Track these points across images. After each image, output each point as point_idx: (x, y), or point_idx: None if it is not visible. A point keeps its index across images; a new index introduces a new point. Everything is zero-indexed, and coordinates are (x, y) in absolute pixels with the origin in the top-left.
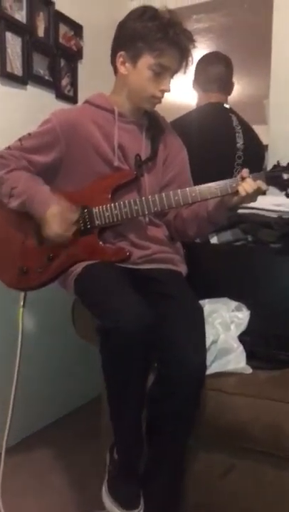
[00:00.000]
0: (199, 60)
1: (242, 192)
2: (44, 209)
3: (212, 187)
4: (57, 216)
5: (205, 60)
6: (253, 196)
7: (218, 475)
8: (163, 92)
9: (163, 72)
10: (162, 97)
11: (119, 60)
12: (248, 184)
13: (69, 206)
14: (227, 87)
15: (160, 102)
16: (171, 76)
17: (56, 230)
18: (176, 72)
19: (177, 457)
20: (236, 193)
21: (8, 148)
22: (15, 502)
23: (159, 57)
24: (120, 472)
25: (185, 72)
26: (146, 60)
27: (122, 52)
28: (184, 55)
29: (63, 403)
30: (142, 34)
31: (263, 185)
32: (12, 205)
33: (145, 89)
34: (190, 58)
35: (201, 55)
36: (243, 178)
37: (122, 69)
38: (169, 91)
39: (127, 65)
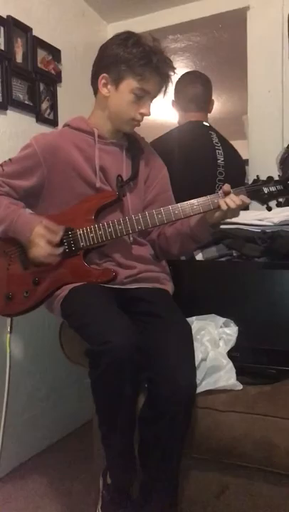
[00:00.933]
0: (178, 81)
1: (223, 206)
2: (29, 231)
3: (194, 204)
4: (43, 236)
5: (183, 81)
6: (235, 211)
7: (212, 495)
8: (143, 115)
9: (144, 96)
10: (142, 120)
11: (102, 81)
12: (229, 198)
13: (52, 225)
14: (205, 106)
15: (139, 124)
16: (151, 100)
17: (43, 251)
18: (155, 96)
19: (171, 478)
20: (218, 207)
21: None
22: None
23: (142, 81)
24: (114, 497)
25: (164, 97)
26: (129, 84)
27: (105, 75)
28: (164, 81)
29: (54, 429)
30: (126, 59)
31: (246, 199)
32: None
33: (126, 111)
34: (169, 84)
35: (179, 75)
36: (225, 193)
37: (104, 91)
38: (149, 114)
39: (109, 87)
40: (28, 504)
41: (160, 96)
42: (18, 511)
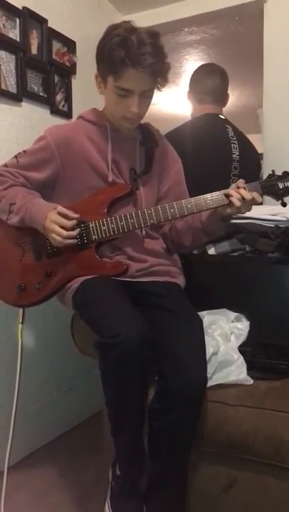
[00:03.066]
0: (195, 72)
1: (236, 202)
2: (43, 218)
3: (207, 198)
4: (56, 221)
5: (201, 72)
6: (247, 207)
7: (221, 488)
8: (132, 113)
9: (127, 94)
10: (133, 117)
11: (97, 80)
12: (241, 195)
13: (65, 210)
14: (222, 99)
15: (134, 121)
16: (144, 96)
17: (57, 236)
18: (146, 91)
19: (180, 471)
20: (230, 203)
21: (5, 165)
22: None
23: (117, 80)
24: (123, 488)
25: (160, 89)
26: (110, 82)
27: (98, 73)
28: (149, 74)
29: (65, 419)
30: (105, 55)
31: (258, 198)
32: (12, 222)
33: (115, 110)
34: (161, 76)
35: (196, 67)
36: (238, 188)
37: (99, 90)
38: (136, 112)
39: (101, 85)
40: (38, 492)
41: (158, 90)
42: (28, 499)
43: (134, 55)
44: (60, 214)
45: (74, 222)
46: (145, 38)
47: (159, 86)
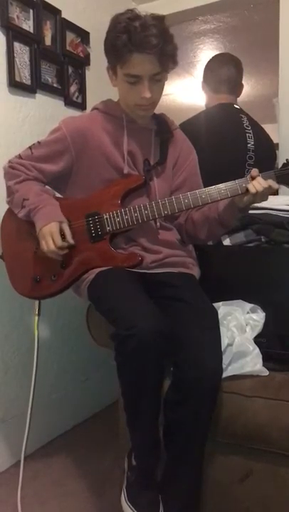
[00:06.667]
0: (209, 61)
1: (252, 189)
2: (44, 223)
3: (222, 188)
4: (51, 234)
5: (216, 61)
6: (263, 195)
7: (236, 480)
8: (144, 99)
9: (137, 81)
10: (147, 103)
11: (109, 73)
12: (257, 182)
13: (68, 232)
14: (236, 89)
15: (149, 107)
16: (154, 80)
17: (46, 246)
18: (156, 74)
19: (195, 461)
20: (247, 192)
21: (19, 156)
22: (34, 509)
23: (125, 68)
24: (138, 478)
25: (167, 72)
26: (119, 72)
27: (108, 65)
28: (157, 57)
29: (81, 410)
30: (110, 45)
31: (274, 184)
32: (20, 215)
33: (128, 98)
34: (169, 58)
35: (210, 56)
36: (252, 178)
37: (112, 82)
38: (149, 97)
39: (113, 77)
40: (54, 481)
41: (165, 72)
42: (44, 488)
43: (137, 39)
44: (60, 230)
45: (65, 245)
46: (149, 21)
47: (168, 69)
